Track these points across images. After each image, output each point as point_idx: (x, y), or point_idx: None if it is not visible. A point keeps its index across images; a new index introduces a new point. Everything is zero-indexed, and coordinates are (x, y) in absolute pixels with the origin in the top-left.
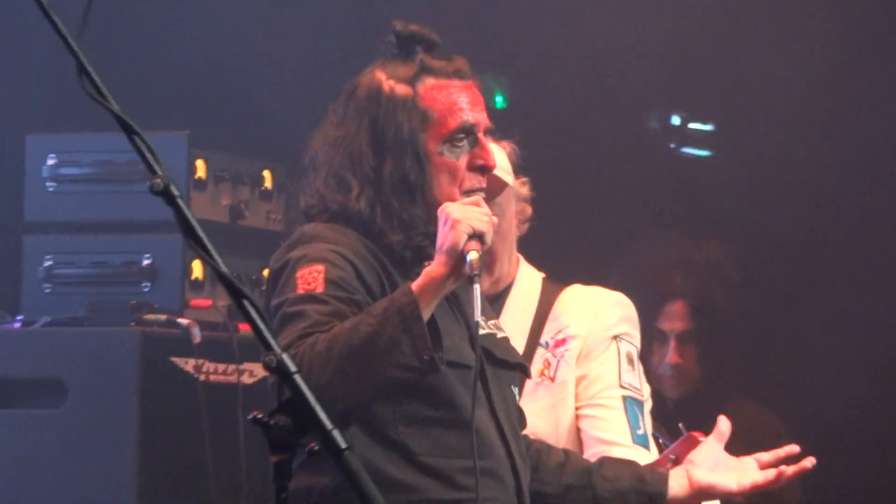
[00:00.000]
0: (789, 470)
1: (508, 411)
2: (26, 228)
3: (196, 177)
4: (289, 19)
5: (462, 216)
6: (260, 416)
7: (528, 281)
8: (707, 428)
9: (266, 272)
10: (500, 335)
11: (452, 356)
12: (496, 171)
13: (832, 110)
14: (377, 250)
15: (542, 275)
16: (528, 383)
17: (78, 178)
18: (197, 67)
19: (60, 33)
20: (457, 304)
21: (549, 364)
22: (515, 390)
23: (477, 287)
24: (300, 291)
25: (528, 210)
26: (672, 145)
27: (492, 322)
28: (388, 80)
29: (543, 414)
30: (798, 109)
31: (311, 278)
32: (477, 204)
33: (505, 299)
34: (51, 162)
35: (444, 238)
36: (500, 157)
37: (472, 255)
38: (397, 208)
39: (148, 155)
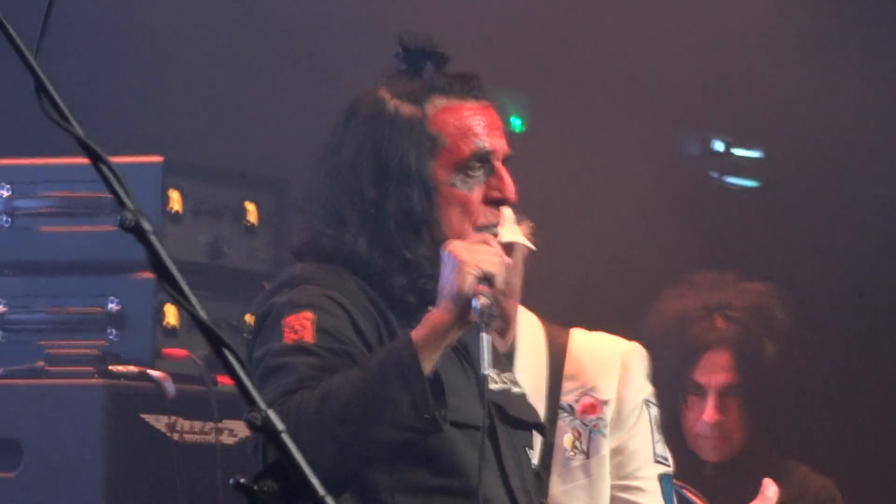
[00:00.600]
0: None
1: (523, 477)
2: None
3: (171, 209)
4: (277, 32)
5: (469, 257)
6: (243, 480)
7: (529, 329)
8: (752, 497)
9: (249, 318)
10: (515, 391)
11: (459, 416)
12: (506, 236)
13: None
14: (375, 295)
15: (535, 316)
16: (559, 456)
17: (35, 211)
18: (172, 86)
19: (17, 48)
20: (466, 355)
21: (580, 435)
22: (531, 453)
23: (485, 336)
24: (287, 341)
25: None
26: (714, 174)
27: (506, 375)
28: (392, 98)
29: (580, 494)
30: (856, 134)
31: (300, 326)
32: (487, 242)
33: (514, 356)
34: (4, 193)
35: (447, 281)
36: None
37: (482, 300)
38: (400, 247)
39: (116, 185)
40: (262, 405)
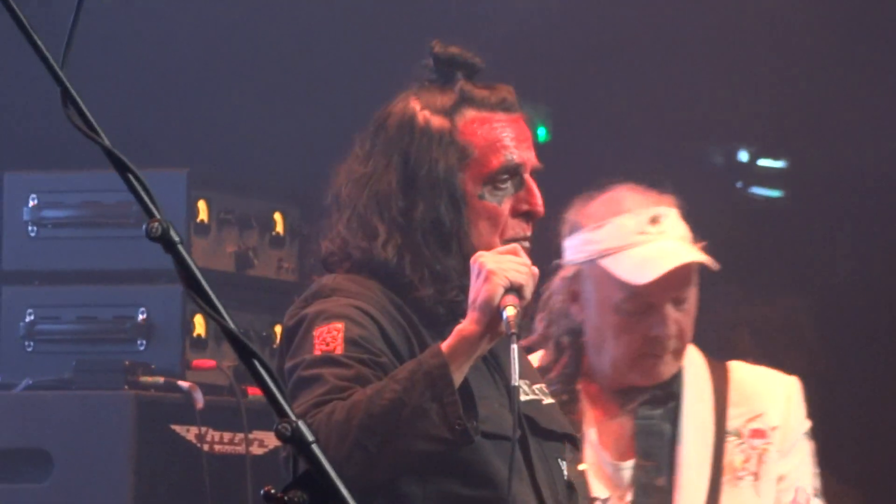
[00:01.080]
0: None
1: (554, 488)
2: (4, 278)
3: (197, 220)
4: (305, 37)
5: (497, 267)
6: (273, 491)
7: (692, 359)
8: None
9: (278, 329)
10: (546, 402)
11: (490, 426)
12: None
13: None
14: (404, 305)
15: (695, 349)
16: (728, 477)
17: (63, 221)
18: (197, 96)
19: (43, 58)
20: (497, 367)
21: (749, 458)
22: (563, 464)
23: (515, 347)
24: (317, 353)
25: None
26: (739, 184)
27: (537, 387)
28: (422, 110)
29: None
30: (880, 144)
31: (330, 338)
32: (515, 252)
33: (682, 388)
34: (32, 203)
35: (477, 292)
36: (676, 223)
37: (510, 311)
38: (429, 258)
39: (144, 195)
40: (293, 416)
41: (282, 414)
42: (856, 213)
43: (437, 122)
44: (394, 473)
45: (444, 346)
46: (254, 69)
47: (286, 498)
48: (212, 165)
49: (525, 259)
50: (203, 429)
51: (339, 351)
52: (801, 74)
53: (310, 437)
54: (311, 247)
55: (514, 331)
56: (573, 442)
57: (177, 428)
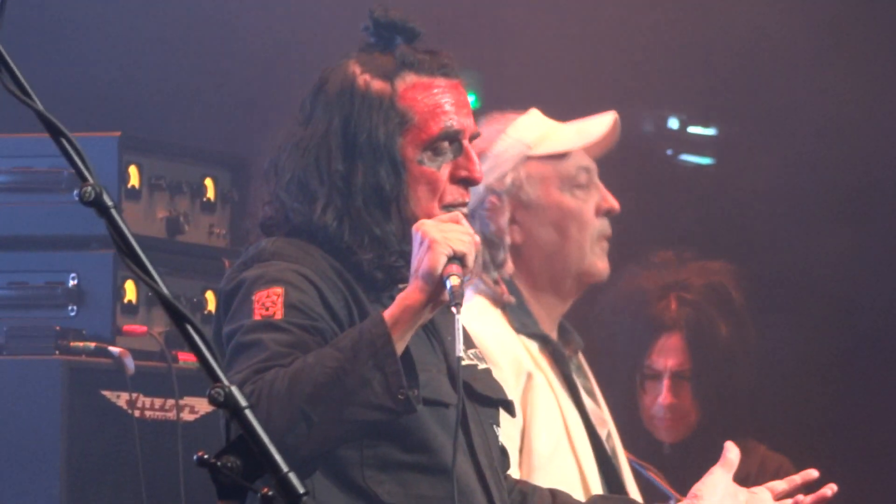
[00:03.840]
0: (807, 499)
1: (490, 453)
2: None
3: (128, 185)
4: (233, 6)
5: (441, 236)
6: (206, 456)
7: None
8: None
9: (209, 294)
10: (481, 367)
11: (428, 392)
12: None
13: (848, 113)
14: (344, 270)
15: None
16: None
17: None
18: (127, 59)
19: None
20: (434, 331)
21: None
22: (497, 429)
23: (458, 317)
24: (257, 317)
25: None
26: (669, 151)
27: (472, 351)
28: (363, 73)
29: None
30: (811, 111)
31: (270, 302)
32: (457, 221)
33: None
34: None
35: (420, 261)
36: None
37: (454, 281)
38: (369, 222)
39: (77, 159)
40: (225, 381)
41: (215, 379)
42: (784, 179)
43: (378, 86)
44: (336, 442)
45: (387, 314)
46: (186, 35)
47: (219, 463)
48: (143, 130)
49: (468, 227)
50: (134, 395)
51: (279, 316)
52: (732, 42)
53: (243, 403)
54: (245, 211)
55: (458, 300)
56: (507, 408)
57: (107, 394)
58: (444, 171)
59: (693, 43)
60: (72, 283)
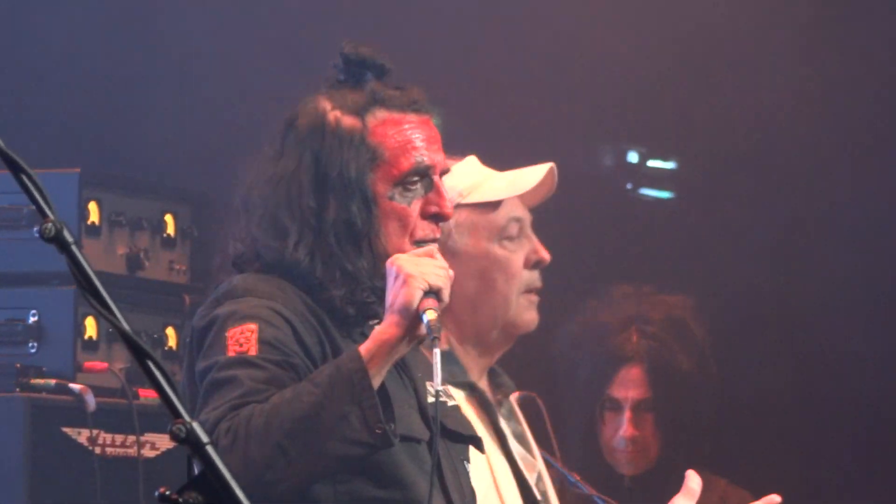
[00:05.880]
0: None
1: (461, 490)
2: None
3: (89, 221)
4: (195, 38)
5: (416, 270)
6: (168, 492)
7: None
8: None
9: (169, 330)
10: (451, 403)
11: (401, 428)
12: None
13: (806, 148)
14: (316, 306)
15: None
16: None
17: None
18: (87, 95)
19: None
20: (403, 367)
21: None
22: (468, 466)
23: (437, 351)
24: (231, 354)
25: None
26: (629, 185)
27: (440, 388)
28: (333, 110)
29: None
30: (770, 146)
31: (244, 339)
32: (431, 255)
33: None
34: None
35: (395, 295)
36: None
37: (430, 315)
38: (340, 258)
39: (38, 196)
40: (186, 416)
41: (176, 415)
42: (743, 213)
43: (348, 122)
44: (314, 478)
45: (363, 349)
46: (145, 72)
47: (181, 499)
48: (103, 166)
49: (442, 262)
50: (95, 431)
51: (253, 352)
52: (690, 76)
53: (204, 439)
54: (205, 247)
55: (435, 335)
56: (477, 444)
57: (68, 431)
58: (415, 207)
59: (652, 77)
60: (32, 319)
